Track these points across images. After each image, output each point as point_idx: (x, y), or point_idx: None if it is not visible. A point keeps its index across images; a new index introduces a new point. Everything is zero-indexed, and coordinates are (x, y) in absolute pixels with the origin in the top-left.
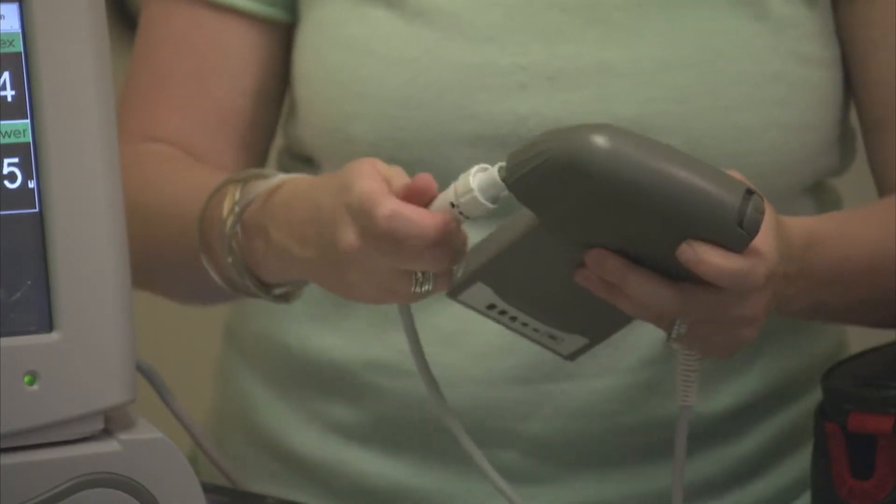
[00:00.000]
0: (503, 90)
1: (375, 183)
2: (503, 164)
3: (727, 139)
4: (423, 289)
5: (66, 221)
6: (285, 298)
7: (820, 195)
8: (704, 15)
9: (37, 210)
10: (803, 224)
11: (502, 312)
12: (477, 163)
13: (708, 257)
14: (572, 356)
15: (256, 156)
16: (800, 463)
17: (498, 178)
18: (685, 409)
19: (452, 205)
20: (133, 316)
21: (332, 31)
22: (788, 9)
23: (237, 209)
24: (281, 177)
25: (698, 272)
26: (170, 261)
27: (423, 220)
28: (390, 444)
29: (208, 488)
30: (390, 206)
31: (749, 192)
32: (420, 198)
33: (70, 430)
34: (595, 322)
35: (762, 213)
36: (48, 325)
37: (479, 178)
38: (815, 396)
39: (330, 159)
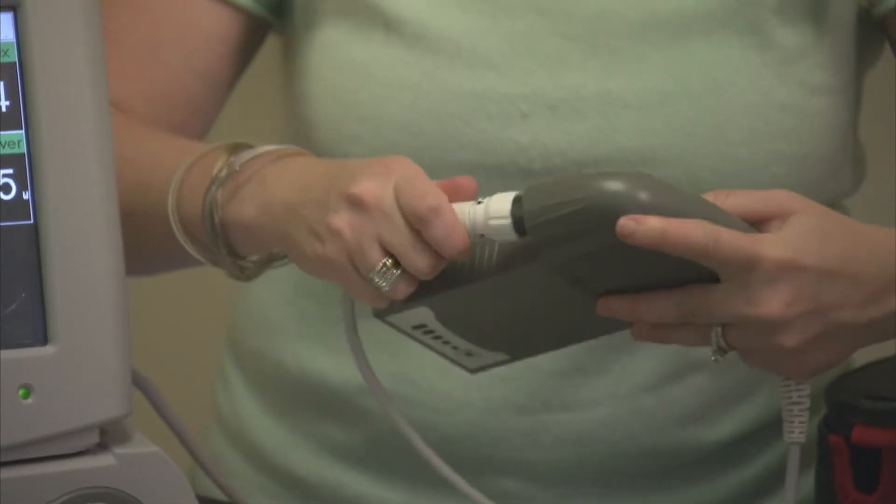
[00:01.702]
0: (504, 118)
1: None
2: (518, 194)
3: (728, 173)
4: (380, 280)
5: (61, 233)
6: (244, 273)
7: None
8: (710, 45)
9: (32, 222)
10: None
11: (428, 332)
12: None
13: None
14: (477, 370)
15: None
16: (805, 485)
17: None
18: (794, 447)
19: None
20: (129, 328)
21: (335, 53)
22: (796, 38)
23: (234, 161)
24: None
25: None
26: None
27: (456, 233)
28: (385, 468)
29: (205, 503)
30: (439, 200)
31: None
32: (453, 195)
33: (65, 444)
34: (531, 340)
35: None
36: (43, 337)
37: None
38: (821, 416)
39: None
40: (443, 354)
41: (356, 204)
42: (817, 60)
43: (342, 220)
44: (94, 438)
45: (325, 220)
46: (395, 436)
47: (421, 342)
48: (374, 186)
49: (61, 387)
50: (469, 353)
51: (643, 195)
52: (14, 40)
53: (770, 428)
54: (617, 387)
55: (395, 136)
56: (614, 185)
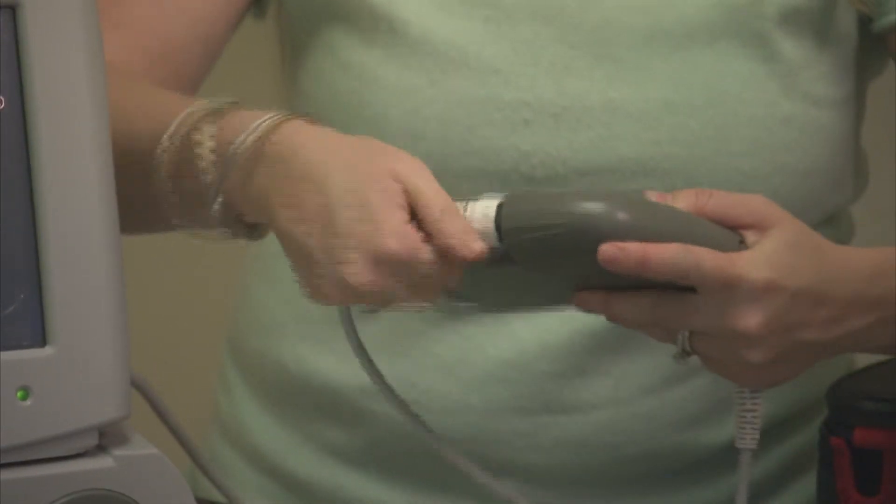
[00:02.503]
0: (506, 125)
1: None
2: (502, 200)
3: (730, 185)
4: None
5: (60, 234)
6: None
7: (833, 225)
8: (714, 56)
9: (30, 223)
10: (869, 253)
11: None
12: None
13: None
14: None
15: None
16: (808, 487)
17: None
18: (745, 452)
19: None
20: (128, 330)
21: (338, 57)
22: (799, 51)
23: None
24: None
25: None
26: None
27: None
28: (386, 470)
29: None
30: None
31: (741, 243)
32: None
33: (64, 446)
34: (513, 299)
35: None
36: (41, 339)
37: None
38: (820, 422)
39: None
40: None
41: (379, 263)
42: (820, 72)
43: (363, 277)
44: (92, 440)
45: (340, 274)
46: (396, 437)
47: None
48: (397, 245)
49: (60, 388)
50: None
51: (621, 216)
52: (13, 38)
53: (770, 432)
54: (617, 389)
55: (398, 142)
56: (592, 207)
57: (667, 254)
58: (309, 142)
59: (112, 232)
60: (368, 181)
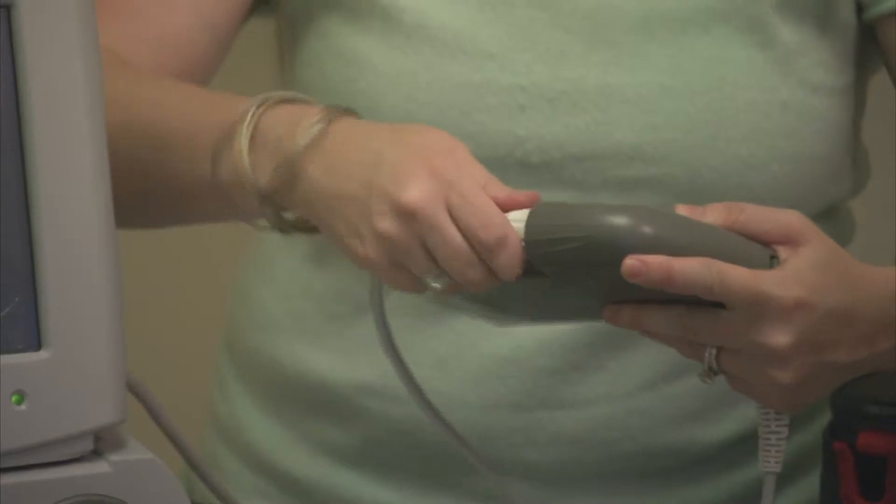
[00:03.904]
0: (502, 111)
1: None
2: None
3: (728, 171)
4: (434, 282)
5: (55, 237)
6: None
7: (832, 220)
8: (711, 41)
9: (25, 225)
10: (893, 274)
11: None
12: None
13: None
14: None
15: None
16: (807, 487)
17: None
18: (769, 476)
19: None
20: (123, 333)
21: (334, 43)
22: (797, 36)
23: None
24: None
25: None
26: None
27: (518, 260)
28: (382, 469)
29: None
30: (505, 230)
31: (773, 258)
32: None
33: (59, 451)
34: (551, 312)
35: None
36: (36, 343)
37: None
38: (823, 421)
39: None
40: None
41: (405, 214)
42: (818, 59)
43: (389, 227)
44: (88, 445)
45: (369, 223)
46: (391, 435)
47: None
48: (424, 199)
49: (55, 392)
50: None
51: (646, 229)
52: (7, 38)
53: None
54: (615, 385)
55: None
56: (617, 220)
57: (690, 268)
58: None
59: (108, 235)
60: (416, 141)
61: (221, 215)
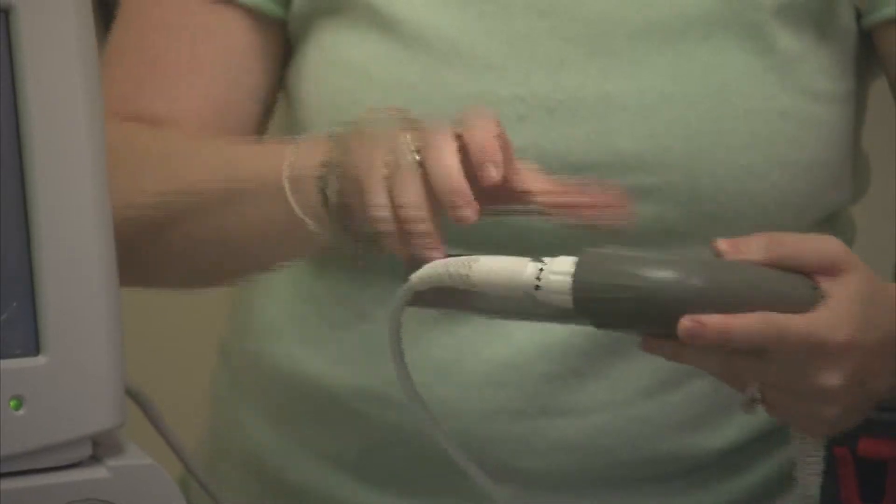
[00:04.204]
0: (502, 121)
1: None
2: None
3: (729, 179)
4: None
5: (53, 242)
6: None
7: (833, 225)
8: (711, 49)
9: (24, 229)
10: None
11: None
12: None
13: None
14: None
15: None
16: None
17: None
18: (807, 498)
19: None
20: (122, 338)
21: (332, 55)
22: (796, 44)
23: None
24: None
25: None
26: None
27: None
28: (382, 475)
29: None
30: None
31: (815, 289)
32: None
33: (57, 456)
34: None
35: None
36: (35, 347)
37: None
38: None
39: None
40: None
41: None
42: (818, 66)
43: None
44: (86, 450)
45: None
46: (390, 442)
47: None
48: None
49: (53, 398)
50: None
51: (696, 282)
52: (6, 41)
53: (770, 436)
54: (614, 392)
55: None
56: (666, 274)
57: (749, 326)
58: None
59: (106, 240)
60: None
61: (295, 251)
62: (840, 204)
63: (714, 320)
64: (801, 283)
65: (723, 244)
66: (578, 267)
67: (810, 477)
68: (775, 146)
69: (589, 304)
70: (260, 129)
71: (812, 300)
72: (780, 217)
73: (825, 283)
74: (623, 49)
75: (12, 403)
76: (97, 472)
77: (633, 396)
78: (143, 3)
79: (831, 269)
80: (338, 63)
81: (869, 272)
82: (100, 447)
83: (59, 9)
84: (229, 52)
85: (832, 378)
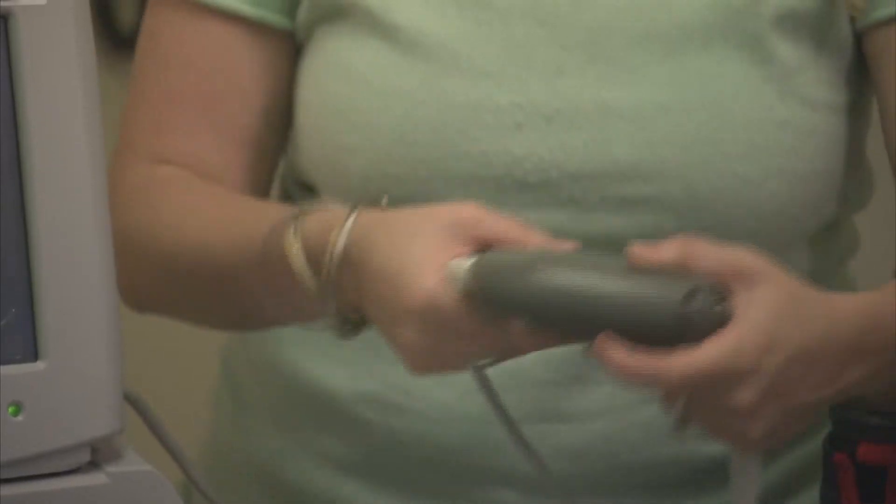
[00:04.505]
0: (499, 129)
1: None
2: None
3: (726, 189)
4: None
5: (52, 248)
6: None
7: (835, 234)
8: (709, 59)
9: (22, 236)
10: (858, 302)
11: None
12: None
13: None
14: None
15: (266, 174)
16: (808, 499)
17: None
18: None
19: None
20: (121, 344)
21: (332, 60)
22: (795, 53)
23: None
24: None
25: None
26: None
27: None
28: (383, 479)
29: None
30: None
31: (722, 303)
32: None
33: (56, 462)
34: None
35: (715, 304)
36: (33, 354)
37: None
38: (823, 433)
39: (326, 189)
40: None
41: (409, 322)
42: (817, 76)
43: (410, 340)
44: (85, 456)
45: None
46: (392, 446)
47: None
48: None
49: (52, 403)
50: None
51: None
52: (4, 50)
53: None
54: (615, 398)
55: (390, 147)
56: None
57: (660, 372)
58: (379, 241)
59: (104, 246)
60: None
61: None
62: (841, 214)
63: (616, 357)
64: (672, 287)
65: (635, 248)
66: (475, 265)
67: (746, 495)
68: (773, 156)
69: (497, 311)
70: (280, 146)
71: (678, 303)
72: (777, 227)
73: (740, 294)
74: (621, 58)
75: (11, 409)
76: (96, 479)
77: (633, 402)
78: (158, 35)
79: (744, 280)
80: (337, 69)
81: (790, 282)
82: (99, 453)
83: (59, 16)
84: (243, 77)
85: (745, 396)
